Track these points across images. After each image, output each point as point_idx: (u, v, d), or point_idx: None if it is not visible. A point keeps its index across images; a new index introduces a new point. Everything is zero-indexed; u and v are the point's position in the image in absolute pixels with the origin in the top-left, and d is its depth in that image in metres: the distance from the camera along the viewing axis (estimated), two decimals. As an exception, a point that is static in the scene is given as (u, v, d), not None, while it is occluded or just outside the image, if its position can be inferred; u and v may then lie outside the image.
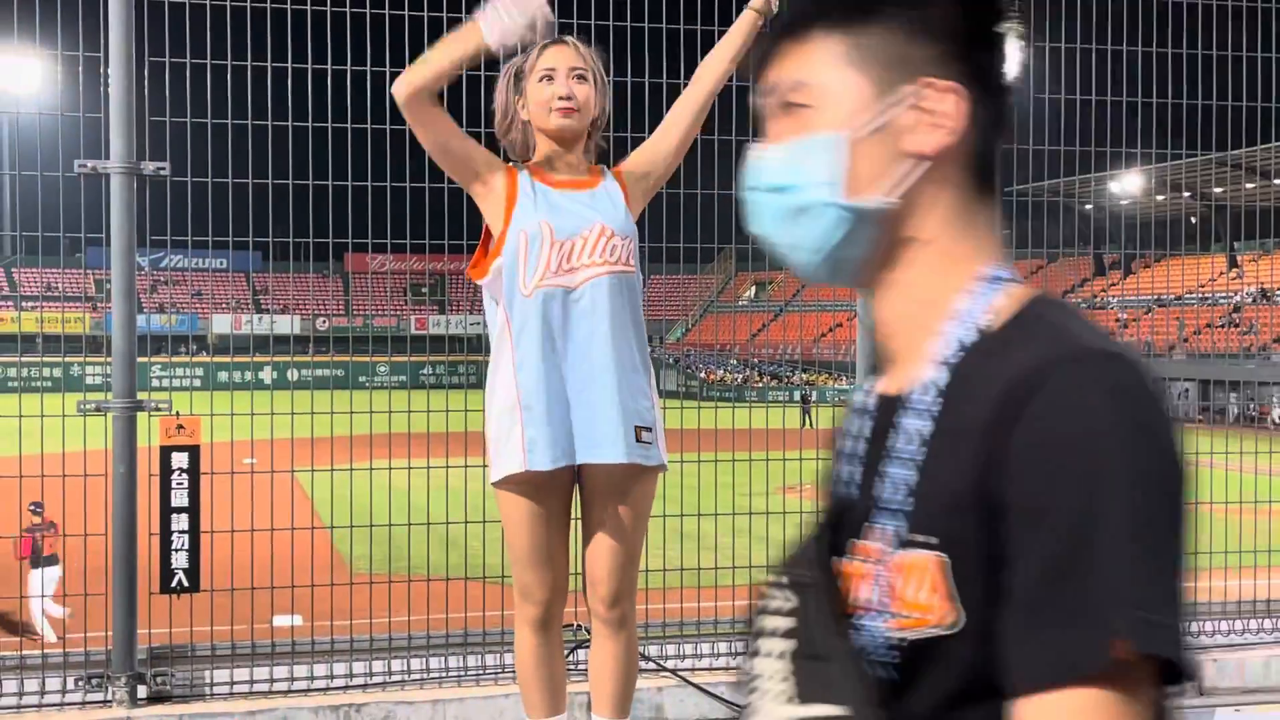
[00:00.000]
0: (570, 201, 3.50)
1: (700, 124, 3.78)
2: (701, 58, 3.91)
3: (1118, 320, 56.94)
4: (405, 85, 3.32)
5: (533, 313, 3.40)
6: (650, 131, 3.79)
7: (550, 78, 3.47)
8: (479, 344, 4.02)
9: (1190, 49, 5.95)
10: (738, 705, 4.50)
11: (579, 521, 3.64)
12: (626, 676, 3.67)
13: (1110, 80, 5.88)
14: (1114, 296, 60.46)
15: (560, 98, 3.45)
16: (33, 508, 10.84)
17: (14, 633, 10.98)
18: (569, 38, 3.57)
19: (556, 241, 3.42)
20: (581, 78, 3.50)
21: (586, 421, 3.41)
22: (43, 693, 4.61)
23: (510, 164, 3.60)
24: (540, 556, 3.50)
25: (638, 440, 3.45)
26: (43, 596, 11.04)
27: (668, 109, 3.80)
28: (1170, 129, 6.08)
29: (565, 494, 3.54)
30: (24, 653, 4.66)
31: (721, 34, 3.93)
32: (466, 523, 5.26)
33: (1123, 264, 60.02)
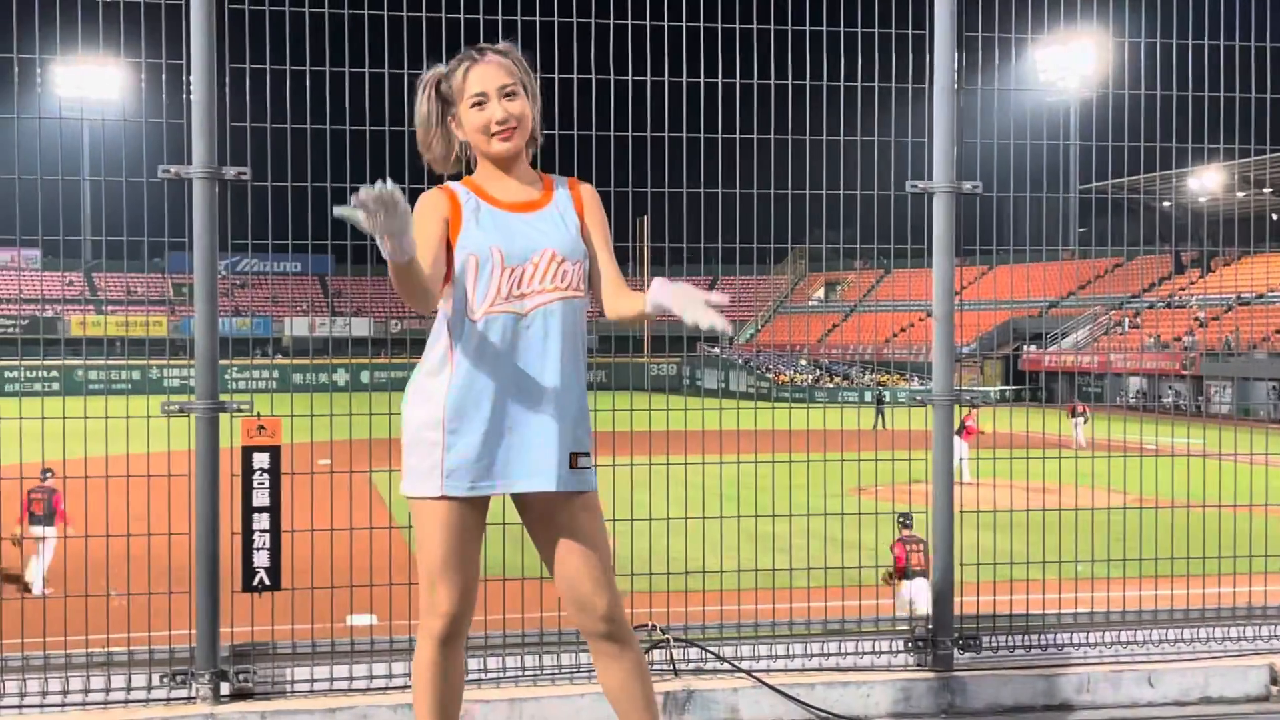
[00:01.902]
0: (521, 224, 3.43)
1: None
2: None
3: (1197, 319, 56.02)
4: (419, 307, 3.30)
5: (479, 338, 3.36)
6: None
7: (482, 103, 3.40)
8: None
9: (1274, 41, 5.84)
10: (813, 706, 4.49)
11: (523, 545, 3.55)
12: (648, 683, 3.56)
13: (1191, 75, 5.78)
14: (1193, 295, 59.51)
15: (497, 122, 3.39)
16: (45, 473, 12.69)
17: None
18: (490, 53, 3.45)
19: (507, 267, 3.37)
20: (512, 95, 3.41)
21: (522, 449, 3.36)
22: (129, 689, 4.70)
23: (446, 182, 3.52)
24: (453, 566, 3.40)
25: (573, 467, 3.40)
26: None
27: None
28: (1252, 123, 5.96)
29: (483, 508, 3.47)
30: (110, 650, 4.75)
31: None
32: (521, 522, 5.27)
33: (1204, 262, 59.11)
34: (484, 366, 3.36)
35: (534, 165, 3.61)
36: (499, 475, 3.38)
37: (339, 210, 2.93)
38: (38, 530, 14.89)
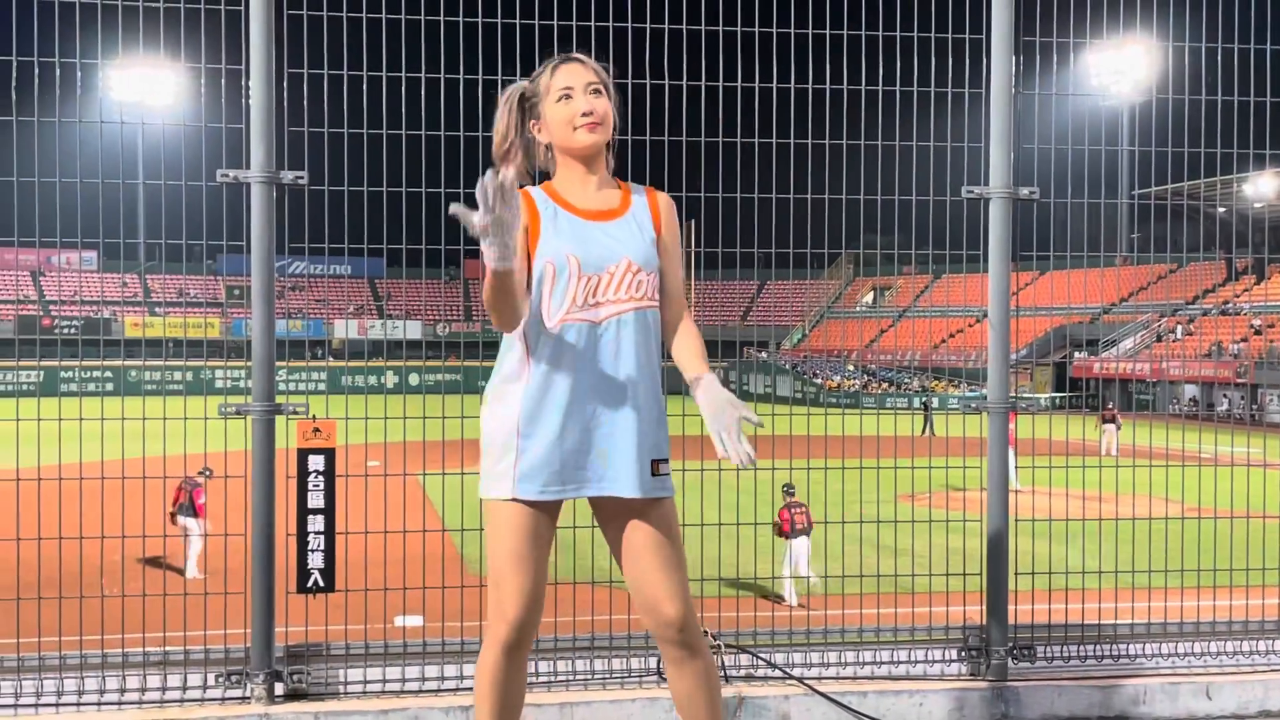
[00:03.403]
0: (599, 232, 3.46)
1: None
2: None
3: (1251, 326, 55.21)
4: (506, 326, 3.35)
5: (555, 345, 3.40)
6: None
7: (569, 96, 3.45)
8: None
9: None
10: (865, 715, 4.43)
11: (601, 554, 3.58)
12: (715, 693, 3.61)
13: (1253, 79, 5.70)
14: (1247, 302, 58.68)
15: (583, 114, 3.43)
16: (203, 472, 13.16)
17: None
18: (578, 54, 3.55)
19: (584, 276, 3.40)
20: (598, 92, 3.47)
21: (598, 455, 3.41)
22: (184, 688, 4.75)
23: (525, 187, 3.55)
24: (520, 566, 3.44)
25: (654, 474, 3.43)
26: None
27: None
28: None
29: (553, 514, 3.50)
30: (167, 649, 4.80)
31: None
32: (575, 527, 5.28)
33: (1261, 269, 58.26)
34: (559, 373, 3.39)
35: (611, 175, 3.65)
36: (572, 480, 3.41)
37: (454, 209, 2.97)
38: (183, 521, 15.53)
